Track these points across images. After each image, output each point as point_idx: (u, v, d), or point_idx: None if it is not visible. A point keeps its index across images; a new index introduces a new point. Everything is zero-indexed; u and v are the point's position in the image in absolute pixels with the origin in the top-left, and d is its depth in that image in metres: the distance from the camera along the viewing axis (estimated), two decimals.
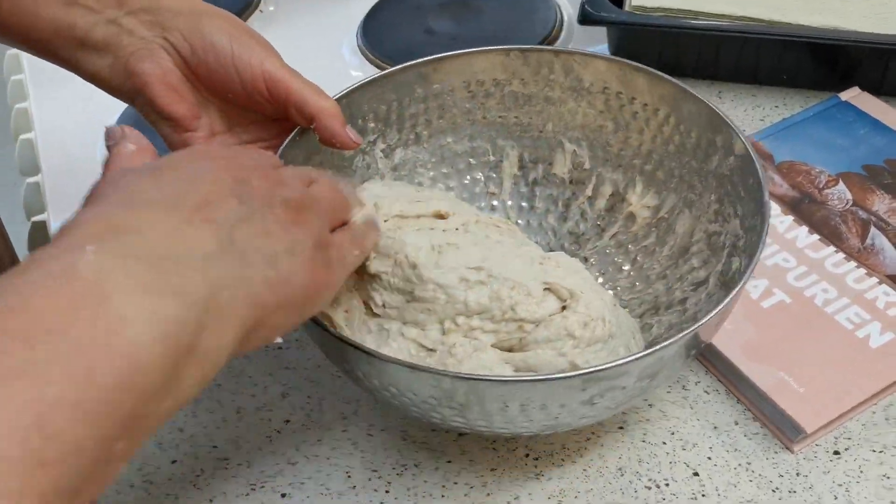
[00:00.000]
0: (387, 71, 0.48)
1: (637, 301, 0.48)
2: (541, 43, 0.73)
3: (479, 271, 0.40)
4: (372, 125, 0.49)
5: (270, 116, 0.44)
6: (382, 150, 0.50)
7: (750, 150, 0.43)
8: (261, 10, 0.82)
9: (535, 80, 0.50)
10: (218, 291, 0.28)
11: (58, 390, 0.23)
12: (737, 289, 0.37)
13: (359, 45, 0.76)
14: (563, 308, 0.40)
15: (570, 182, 0.52)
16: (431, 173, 0.52)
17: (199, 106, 0.43)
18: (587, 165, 0.51)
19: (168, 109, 0.42)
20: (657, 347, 0.35)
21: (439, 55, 0.49)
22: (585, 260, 0.51)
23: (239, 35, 0.41)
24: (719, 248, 0.45)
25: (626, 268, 0.50)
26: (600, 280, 0.50)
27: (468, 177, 0.53)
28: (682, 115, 0.47)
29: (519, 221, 0.53)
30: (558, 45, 0.75)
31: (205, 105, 0.43)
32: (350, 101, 0.47)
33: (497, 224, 0.48)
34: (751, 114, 0.65)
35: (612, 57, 0.49)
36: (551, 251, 0.52)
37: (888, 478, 0.42)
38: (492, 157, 0.53)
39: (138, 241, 0.27)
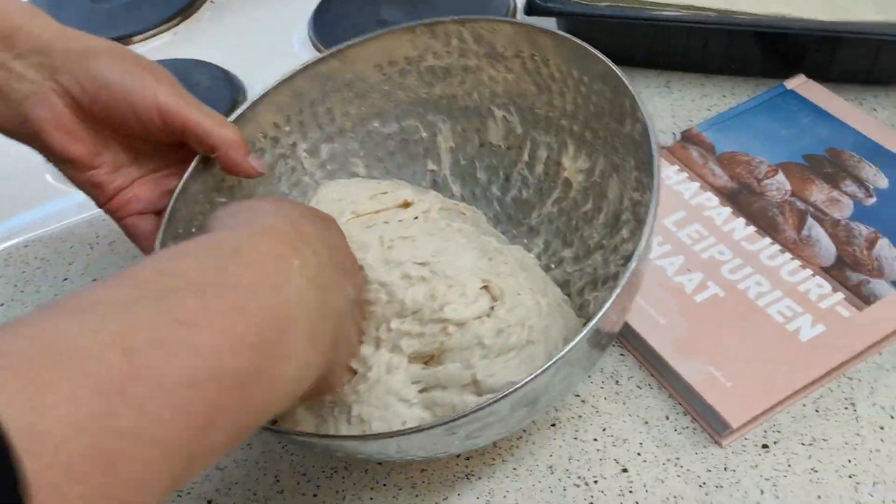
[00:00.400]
0: (291, 73, 0.48)
1: (579, 274, 0.48)
2: None
3: (424, 266, 0.40)
4: (287, 128, 0.48)
5: (174, 143, 0.43)
6: (306, 150, 0.50)
7: (645, 118, 0.41)
8: (212, 1, 0.81)
9: (447, 51, 0.49)
10: (329, 349, 0.33)
11: (229, 401, 0.27)
12: (616, 293, 0.35)
13: (310, 37, 0.75)
14: (492, 309, 0.40)
15: (508, 149, 0.52)
16: (365, 161, 0.52)
17: (99, 144, 0.42)
18: (519, 131, 0.51)
19: (64, 153, 0.41)
20: (506, 392, 0.33)
21: (342, 45, 0.48)
22: (533, 230, 0.51)
23: (131, 69, 0.41)
24: (642, 221, 0.44)
25: (570, 238, 0.49)
26: (548, 252, 0.50)
27: (404, 158, 0.52)
28: (593, 76, 0.46)
29: (463, 194, 0.53)
30: None
31: (105, 141, 0.42)
32: (257, 110, 0.46)
33: (463, 211, 0.48)
34: (698, 103, 0.64)
35: (516, 20, 0.48)
36: (503, 229, 0.51)
37: (816, 471, 0.42)
38: (424, 135, 0.52)
39: (316, 271, 0.32)
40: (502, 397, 0.33)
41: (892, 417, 0.44)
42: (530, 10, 0.65)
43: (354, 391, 0.38)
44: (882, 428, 0.44)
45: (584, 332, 0.34)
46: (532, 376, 0.33)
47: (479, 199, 0.52)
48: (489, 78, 0.49)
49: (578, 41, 0.45)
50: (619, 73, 0.43)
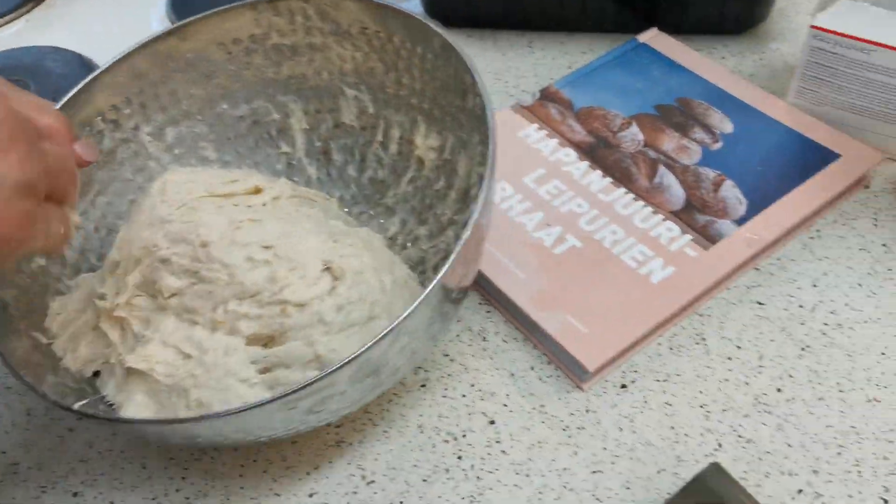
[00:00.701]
0: (126, 51, 0.46)
1: (433, 250, 0.48)
2: None
3: (268, 250, 0.40)
4: (128, 110, 0.47)
5: None
6: (150, 133, 0.48)
7: (482, 91, 0.41)
8: None
9: (292, 29, 0.48)
10: None
11: None
12: (444, 270, 0.35)
13: (168, 17, 0.73)
14: (334, 288, 0.40)
15: (361, 129, 0.51)
16: (215, 145, 0.51)
17: None
18: (371, 110, 0.51)
19: None
20: (340, 363, 0.33)
21: (181, 22, 0.47)
22: (390, 209, 0.51)
23: None
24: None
25: (425, 215, 0.50)
26: (404, 230, 0.50)
27: (256, 140, 0.52)
28: (436, 52, 0.46)
29: (319, 177, 0.52)
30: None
31: None
32: (92, 92, 0.45)
33: (313, 198, 0.48)
34: (559, 61, 0.66)
35: None
36: (360, 210, 0.51)
37: (670, 405, 0.45)
38: (276, 116, 0.51)
39: None
40: (337, 369, 0.33)
41: (738, 348, 0.47)
42: None
43: (191, 375, 0.38)
44: (730, 359, 0.46)
45: (419, 299, 0.34)
46: (365, 346, 0.33)
47: (335, 180, 0.52)
48: (337, 56, 0.49)
49: (417, 16, 0.45)
50: (457, 48, 0.43)
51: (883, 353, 0.45)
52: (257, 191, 0.45)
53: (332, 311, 0.38)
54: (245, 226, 0.41)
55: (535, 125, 0.58)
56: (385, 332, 0.33)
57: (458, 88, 0.45)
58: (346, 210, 0.51)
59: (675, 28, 0.65)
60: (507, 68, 0.66)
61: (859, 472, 0.41)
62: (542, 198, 0.53)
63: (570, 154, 0.55)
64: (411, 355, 0.38)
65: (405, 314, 0.34)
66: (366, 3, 0.46)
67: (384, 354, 0.35)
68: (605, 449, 0.43)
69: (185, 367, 0.38)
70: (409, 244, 0.49)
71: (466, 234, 0.36)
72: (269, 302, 0.38)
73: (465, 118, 0.46)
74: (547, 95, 0.60)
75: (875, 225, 0.52)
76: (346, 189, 0.52)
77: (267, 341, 0.39)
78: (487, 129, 0.40)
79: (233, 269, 0.39)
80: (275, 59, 0.50)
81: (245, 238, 0.40)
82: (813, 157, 0.53)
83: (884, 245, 0.51)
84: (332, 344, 0.38)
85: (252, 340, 0.39)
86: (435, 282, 0.35)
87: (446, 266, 0.35)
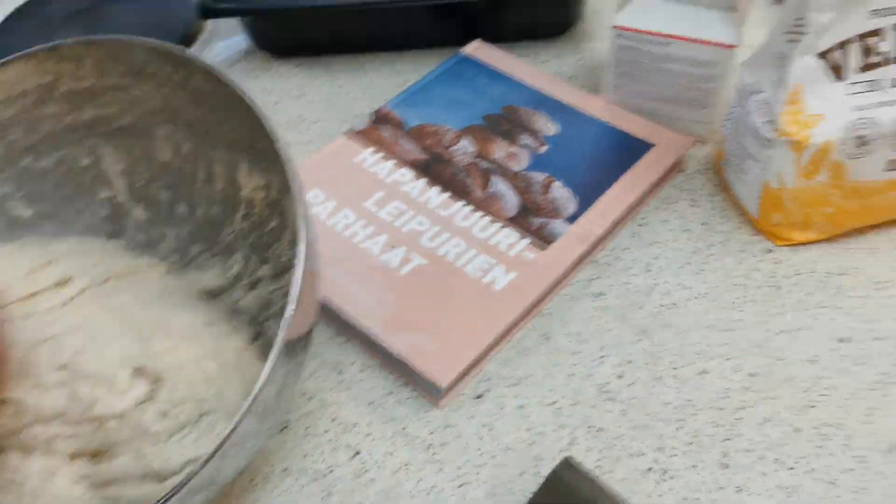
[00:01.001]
0: None
1: (279, 293, 0.48)
2: (181, 41, 0.71)
3: (63, 370, 0.38)
4: None
5: None
6: None
7: (278, 147, 0.38)
8: None
9: (83, 74, 0.46)
10: None
11: None
12: (277, 346, 0.34)
13: None
14: (153, 391, 0.38)
15: (182, 167, 0.49)
16: (27, 202, 0.48)
17: None
18: (188, 148, 0.48)
19: None
20: (166, 496, 0.31)
21: None
22: (230, 246, 0.49)
23: None
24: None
25: (265, 254, 0.48)
26: (248, 269, 0.49)
27: (72, 189, 0.49)
28: (231, 100, 0.42)
29: (149, 217, 0.50)
30: (203, 39, 0.73)
31: None
32: None
33: (133, 272, 0.46)
34: (392, 81, 0.67)
35: (144, 40, 0.44)
36: (199, 249, 0.49)
37: (523, 407, 0.46)
38: (87, 161, 0.49)
39: None
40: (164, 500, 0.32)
41: (582, 341, 0.49)
42: (204, 14, 0.64)
43: None
44: (574, 353, 0.48)
45: (244, 408, 0.33)
46: (179, 484, 0.31)
47: (165, 220, 0.50)
48: (141, 94, 0.47)
49: (206, 63, 0.42)
50: (252, 105, 0.40)
51: (709, 327, 0.49)
52: (64, 282, 0.42)
53: (155, 419, 0.37)
54: (39, 347, 0.38)
55: (371, 149, 0.58)
56: (207, 457, 0.32)
57: (269, 137, 0.41)
58: (181, 255, 0.49)
59: (496, 37, 0.67)
60: (338, 94, 0.66)
61: (699, 442, 0.44)
62: (384, 220, 0.54)
63: (406, 174, 0.57)
64: (250, 453, 0.37)
65: (227, 432, 0.32)
66: (154, 47, 0.43)
67: (218, 467, 0.33)
68: (468, 461, 0.44)
69: (9, 499, 0.36)
70: (252, 286, 0.49)
71: (295, 288, 0.35)
72: (80, 420, 0.37)
73: (284, 165, 0.45)
74: (380, 118, 0.60)
75: (692, 205, 0.55)
76: (180, 227, 0.50)
77: (97, 453, 0.37)
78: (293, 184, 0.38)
79: (17, 403, 0.37)
80: (73, 103, 0.47)
81: (37, 365, 0.38)
82: (631, 150, 0.56)
83: (703, 223, 0.54)
84: (164, 454, 0.37)
85: (77, 456, 0.37)
86: (261, 383, 0.33)
87: (275, 349, 0.34)
